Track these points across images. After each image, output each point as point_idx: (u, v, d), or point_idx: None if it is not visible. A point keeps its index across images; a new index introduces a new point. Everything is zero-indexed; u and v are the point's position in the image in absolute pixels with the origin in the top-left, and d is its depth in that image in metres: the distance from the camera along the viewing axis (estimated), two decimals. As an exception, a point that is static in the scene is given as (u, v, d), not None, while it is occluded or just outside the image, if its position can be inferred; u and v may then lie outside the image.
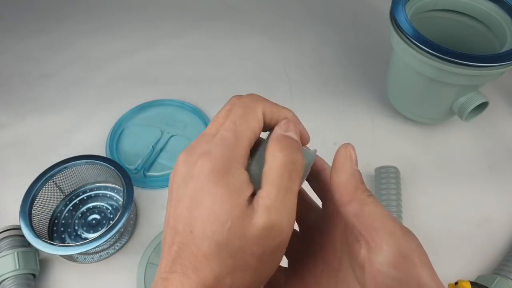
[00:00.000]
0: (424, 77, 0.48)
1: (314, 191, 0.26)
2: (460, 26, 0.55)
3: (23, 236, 0.42)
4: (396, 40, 0.48)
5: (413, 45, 0.46)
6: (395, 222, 0.19)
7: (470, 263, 0.46)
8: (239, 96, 0.23)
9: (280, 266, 0.25)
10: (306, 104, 0.61)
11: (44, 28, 0.73)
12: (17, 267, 0.41)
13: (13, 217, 0.48)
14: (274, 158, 0.20)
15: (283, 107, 0.23)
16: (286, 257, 0.26)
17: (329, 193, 0.24)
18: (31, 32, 0.72)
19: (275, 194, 0.19)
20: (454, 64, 0.44)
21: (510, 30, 0.49)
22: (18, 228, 0.44)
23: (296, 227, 0.26)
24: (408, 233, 0.19)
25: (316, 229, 0.25)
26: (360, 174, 0.21)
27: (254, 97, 0.22)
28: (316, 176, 0.25)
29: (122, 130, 0.57)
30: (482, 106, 0.50)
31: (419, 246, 0.19)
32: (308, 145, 0.25)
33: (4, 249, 0.42)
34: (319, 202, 0.26)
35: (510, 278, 0.41)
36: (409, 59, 0.48)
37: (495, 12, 0.51)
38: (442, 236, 0.48)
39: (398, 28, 0.47)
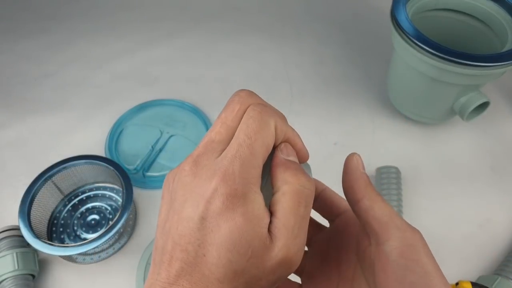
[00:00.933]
0: (425, 76, 0.48)
1: (318, 211, 0.26)
2: (461, 25, 0.55)
3: (22, 236, 0.42)
4: (397, 40, 0.48)
5: (414, 44, 0.45)
6: (401, 218, 0.21)
7: (471, 263, 0.46)
8: (247, 94, 0.21)
9: (295, 283, 0.25)
10: (306, 104, 0.61)
11: (44, 28, 0.73)
12: (16, 267, 0.41)
13: (12, 217, 0.48)
14: (288, 185, 0.19)
15: (287, 124, 0.22)
16: (299, 276, 0.26)
17: (336, 208, 0.26)
18: (31, 32, 0.72)
19: (293, 225, 0.19)
20: (455, 64, 0.44)
21: (511, 30, 0.49)
22: (17, 228, 0.44)
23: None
24: (412, 227, 0.21)
25: (327, 246, 0.25)
26: (368, 177, 0.23)
27: (268, 109, 0.21)
28: (317, 196, 0.26)
29: (122, 130, 0.57)
30: (483, 106, 0.49)
31: (423, 238, 0.21)
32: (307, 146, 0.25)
33: (3, 250, 0.42)
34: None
35: (511, 279, 0.41)
36: (410, 58, 0.48)
37: (496, 11, 0.51)
38: (443, 236, 0.48)
39: (399, 27, 0.47)
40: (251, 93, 0.21)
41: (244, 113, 0.20)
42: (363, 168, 0.23)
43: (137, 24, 0.74)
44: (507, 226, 0.49)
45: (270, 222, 0.19)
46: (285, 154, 0.21)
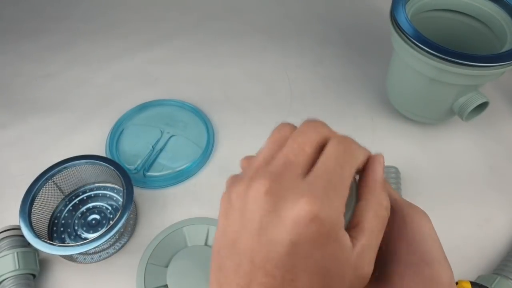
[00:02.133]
0: (424, 77, 0.48)
1: None
2: (460, 26, 0.55)
3: (22, 236, 0.42)
4: (396, 40, 0.48)
5: (413, 45, 0.45)
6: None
7: (470, 263, 0.46)
8: (322, 125, 0.22)
9: None
10: (306, 104, 0.61)
11: (45, 28, 0.73)
12: (17, 267, 0.41)
13: (13, 217, 0.48)
14: (380, 207, 0.21)
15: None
16: None
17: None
18: (32, 32, 0.72)
19: (375, 245, 0.20)
20: (454, 64, 0.44)
21: (510, 30, 0.49)
22: (17, 228, 0.44)
23: None
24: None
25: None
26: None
27: (354, 143, 0.22)
28: None
29: (122, 130, 0.57)
30: (483, 106, 0.50)
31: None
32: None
33: (4, 249, 0.42)
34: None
35: (511, 278, 0.41)
36: (409, 59, 0.48)
37: (496, 12, 0.51)
38: (442, 236, 0.48)
39: (398, 28, 0.47)
40: (324, 124, 0.22)
41: (322, 143, 0.21)
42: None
43: (137, 24, 0.74)
44: (506, 226, 0.49)
45: (355, 238, 0.19)
46: (380, 175, 0.22)
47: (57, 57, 0.68)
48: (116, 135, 0.56)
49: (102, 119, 0.59)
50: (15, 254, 0.42)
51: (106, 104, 0.61)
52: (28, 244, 0.43)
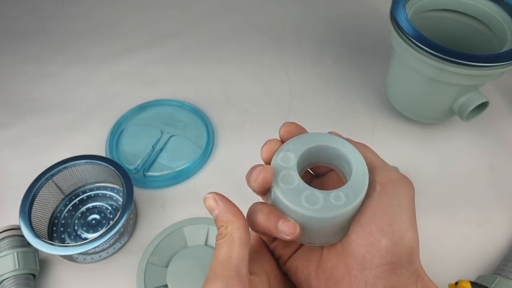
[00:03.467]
0: (424, 77, 0.48)
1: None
2: (460, 26, 0.55)
3: (22, 236, 0.42)
4: (396, 40, 0.48)
5: (413, 45, 0.45)
6: (390, 168, 0.25)
7: (470, 263, 0.46)
8: None
9: None
10: (305, 104, 0.61)
11: (45, 28, 0.73)
12: (17, 267, 0.41)
13: (12, 217, 0.48)
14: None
15: None
16: None
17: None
18: (31, 32, 0.72)
19: None
20: (454, 64, 0.44)
21: (510, 30, 0.49)
22: (17, 228, 0.44)
23: None
24: (404, 176, 0.25)
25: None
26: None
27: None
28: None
29: (122, 130, 0.57)
30: (482, 106, 0.50)
31: (411, 188, 0.24)
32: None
33: (4, 249, 0.42)
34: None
35: (511, 278, 0.41)
36: (409, 59, 0.48)
37: (495, 12, 0.51)
38: (442, 236, 0.48)
39: (398, 28, 0.47)
40: None
41: None
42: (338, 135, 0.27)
43: (137, 24, 0.74)
44: (506, 226, 0.49)
45: None
46: None
47: (57, 57, 0.68)
48: (116, 135, 0.56)
49: (101, 119, 0.58)
50: (15, 254, 0.42)
51: (105, 104, 0.61)
52: (28, 244, 0.43)
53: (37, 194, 0.45)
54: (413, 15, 0.51)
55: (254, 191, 0.25)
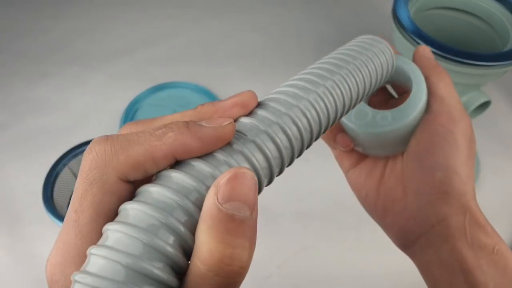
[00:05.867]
0: (426, 76, 0.48)
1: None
2: (463, 24, 0.54)
3: None
4: (398, 38, 0.47)
5: (415, 43, 0.45)
6: (460, 104, 0.27)
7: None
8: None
9: None
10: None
11: (43, 27, 0.72)
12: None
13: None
14: (209, 253, 0.13)
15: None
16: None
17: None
18: (30, 31, 0.72)
19: None
20: (456, 63, 0.43)
21: (513, 29, 0.49)
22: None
23: None
24: (465, 114, 0.27)
25: None
26: (434, 59, 0.29)
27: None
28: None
29: (136, 110, 0.58)
30: (485, 105, 0.49)
31: (470, 125, 0.27)
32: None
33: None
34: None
35: None
36: (411, 57, 0.47)
37: (498, 10, 0.50)
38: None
39: (400, 26, 0.47)
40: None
41: None
42: (431, 55, 0.28)
43: (136, 22, 0.74)
44: (507, 226, 0.49)
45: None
46: (222, 197, 0.13)
47: (56, 56, 0.68)
48: (130, 115, 0.58)
49: (101, 118, 0.58)
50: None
51: (106, 104, 0.60)
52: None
53: (56, 180, 0.46)
54: (415, 13, 0.50)
55: None
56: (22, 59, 0.67)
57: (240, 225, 0.12)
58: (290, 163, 0.17)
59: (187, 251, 0.13)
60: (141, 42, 0.70)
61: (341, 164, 0.30)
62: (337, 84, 0.19)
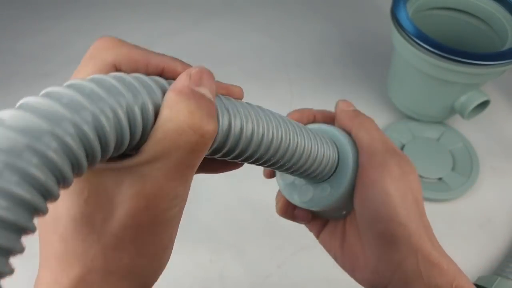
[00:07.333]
0: (425, 75, 0.48)
1: None
2: (462, 24, 0.54)
3: None
4: (397, 38, 0.47)
5: (414, 43, 0.45)
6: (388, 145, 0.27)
7: (470, 263, 0.46)
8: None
9: None
10: (306, 103, 0.61)
11: (44, 27, 0.72)
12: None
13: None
14: (170, 122, 0.15)
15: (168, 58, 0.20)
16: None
17: None
18: (30, 31, 0.72)
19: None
20: (455, 63, 0.43)
21: (511, 28, 0.49)
22: None
23: None
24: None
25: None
26: (353, 111, 0.30)
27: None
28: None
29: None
30: (484, 104, 0.49)
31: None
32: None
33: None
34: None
35: (511, 279, 0.41)
36: (410, 57, 0.48)
37: (497, 10, 0.50)
38: (442, 236, 0.48)
39: (399, 26, 0.47)
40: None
41: None
42: (350, 107, 0.30)
43: (136, 22, 0.74)
44: (507, 226, 0.49)
45: None
46: (194, 82, 0.18)
47: (56, 55, 0.68)
48: None
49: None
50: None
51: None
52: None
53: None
54: (414, 13, 0.50)
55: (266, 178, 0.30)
56: (22, 59, 0.67)
57: (207, 103, 0.16)
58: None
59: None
60: (141, 42, 0.70)
61: (311, 231, 0.31)
62: (273, 115, 0.23)
